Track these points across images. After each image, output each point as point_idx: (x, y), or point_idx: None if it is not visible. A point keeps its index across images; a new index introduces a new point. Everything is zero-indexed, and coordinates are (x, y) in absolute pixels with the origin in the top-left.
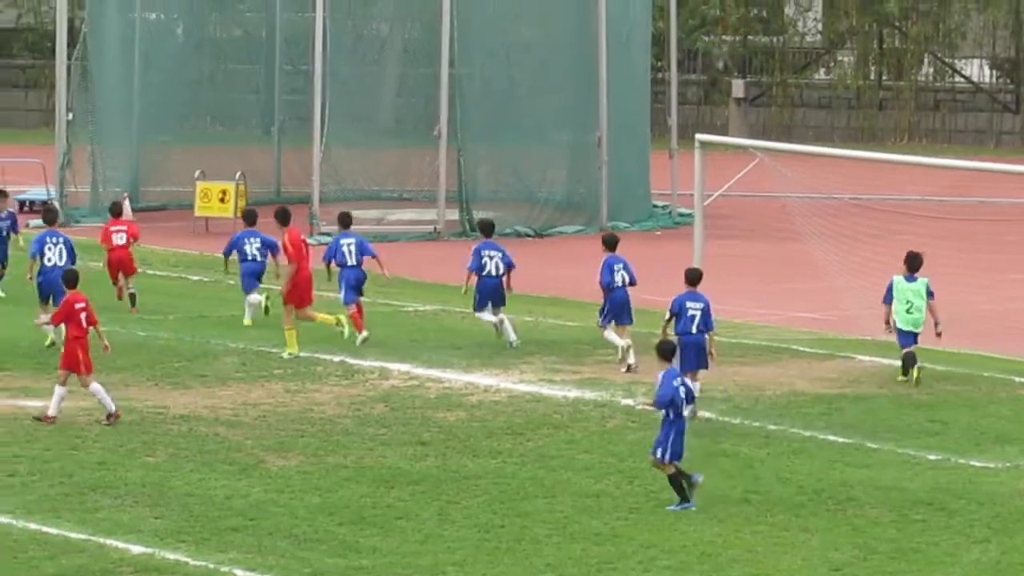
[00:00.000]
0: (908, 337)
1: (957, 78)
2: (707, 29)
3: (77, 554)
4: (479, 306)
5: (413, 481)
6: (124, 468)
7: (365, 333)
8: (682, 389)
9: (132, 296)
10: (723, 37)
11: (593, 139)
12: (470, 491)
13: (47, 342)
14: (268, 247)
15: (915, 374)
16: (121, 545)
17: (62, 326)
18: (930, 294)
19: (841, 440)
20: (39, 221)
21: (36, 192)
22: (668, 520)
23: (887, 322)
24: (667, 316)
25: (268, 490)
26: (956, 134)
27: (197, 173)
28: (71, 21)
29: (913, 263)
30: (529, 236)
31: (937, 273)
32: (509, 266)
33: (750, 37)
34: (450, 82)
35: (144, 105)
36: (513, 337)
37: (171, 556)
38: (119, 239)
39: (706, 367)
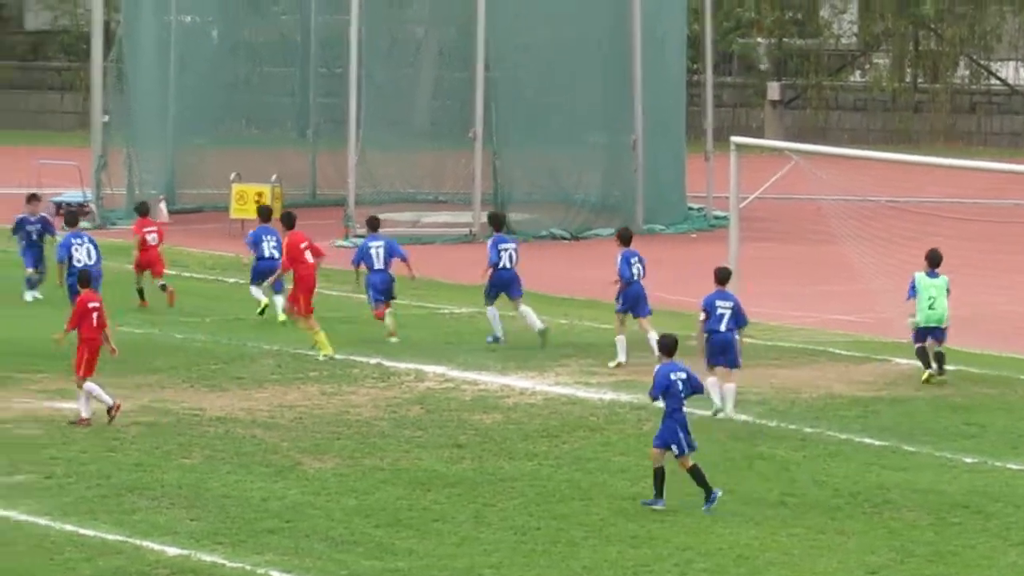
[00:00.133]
0: (924, 334)
1: (993, 80)
2: (742, 32)
3: (114, 555)
4: (491, 299)
5: (449, 483)
6: (161, 470)
7: (394, 328)
8: (679, 382)
9: (164, 287)
10: (758, 39)
11: (628, 141)
12: (506, 493)
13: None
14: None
15: (925, 376)
16: (157, 547)
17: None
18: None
19: (878, 443)
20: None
21: (72, 194)
22: (704, 523)
23: (912, 315)
24: (701, 316)
25: (304, 492)
26: (991, 136)
27: (232, 176)
28: (106, 23)
29: (934, 259)
30: (565, 239)
31: (973, 275)
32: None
33: (785, 39)
34: (485, 84)
35: (180, 108)
36: (540, 324)
37: (207, 558)
38: (151, 239)
39: (738, 365)
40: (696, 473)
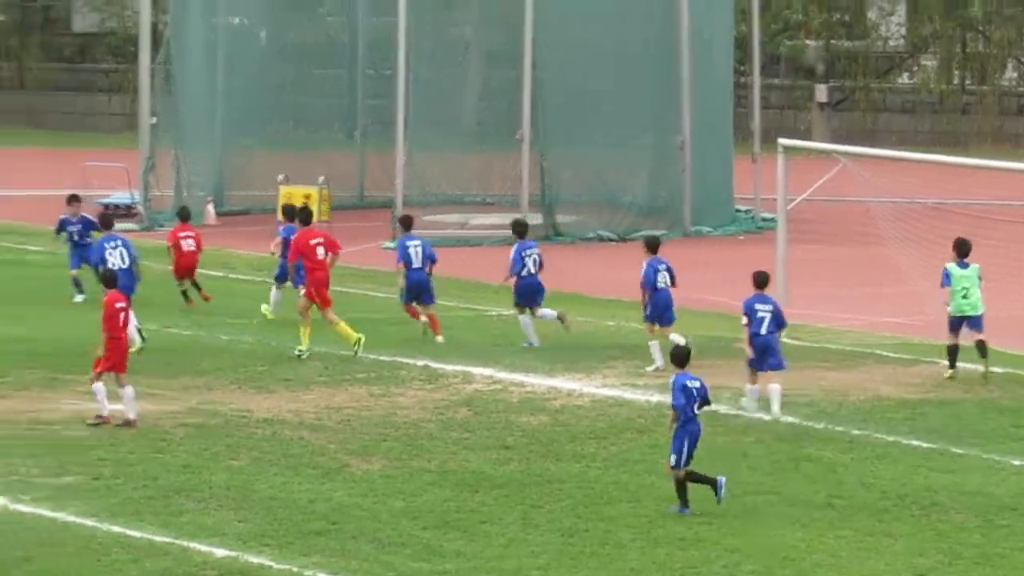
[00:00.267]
0: (959, 323)
1: None
2: (790, 33)
3: (161, 557)
4: (521, 307)
5: (497, 485)
6: (208, 471)
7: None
8: (695, 390)
9: (196, 286)
10: (806, 41)
11: (676, 143)
12: (554, 495)
13: (134, 349)
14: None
15: (948, 374)
16: (205, 548)
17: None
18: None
19: (925, 445)
20: (127, 225)
21: (119, 196)
22: (752, 524)
23: (947, 303)
24: (744, 320)
25: (352, 494)
26: None
27: (280, 177)
28: (154, 25)
29: (962, 248)
30: (612, 240)
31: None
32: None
33: (833, 41)
34: (532, 85)
35: (227, 109)
36: (554, 313)
37: (255, 559)
38: (187, 245)
39: (783, 367)
40: (692, 478)
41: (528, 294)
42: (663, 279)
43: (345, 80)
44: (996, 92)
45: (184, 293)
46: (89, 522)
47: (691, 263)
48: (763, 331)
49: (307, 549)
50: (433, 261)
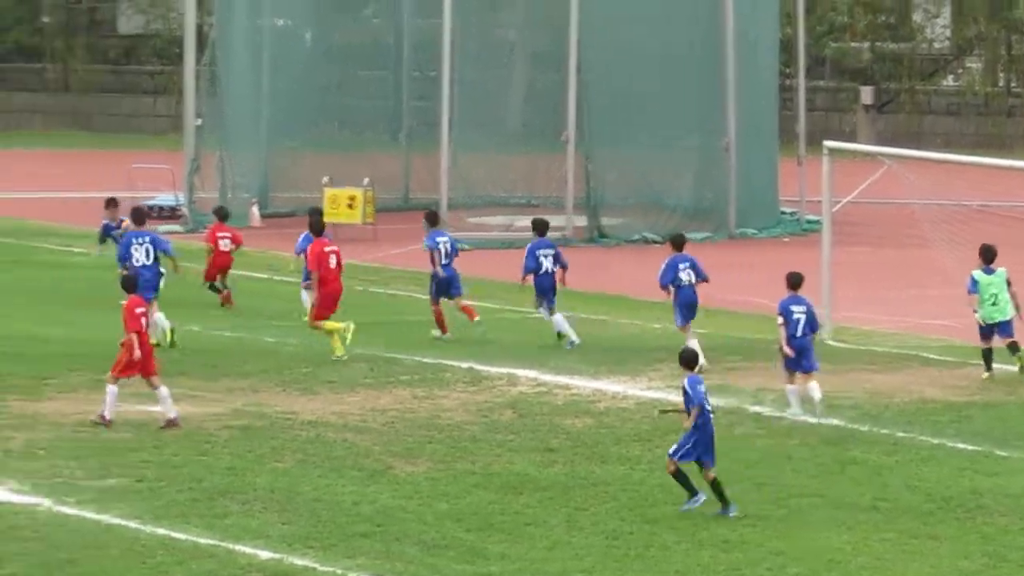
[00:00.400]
0: (990, 331)
1: None
2: (835, 35)
3: (206, 559)
4: (539, 303)
5: (541, 487)
6: (252, 473)
7: (448, 334)
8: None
9: (219, 289)
10: (851, 44)
11: (721, 145)
12: (598, 497)
13: (165, 340)
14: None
15: (985, 376)
16: (249, 551)
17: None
18: (1008, 282)
19: (970, 448)
20: (171, 227)
21: (164, 198)
22: (796, 527)
23: (976, 309)
24: (780, 321)
25: (396, 496)
26: None
27: (325, 179)
28: (199, 27)
29: (987, 255)
30: (657, 243)
31: None
32: (563, 265)
33: (878, 44)
34: (577, 87)
35: (272, 111)
36: (572, 334)
37: (299, 562)
38: (224, 245)
39: (813, 369)
40: (680, 476)
41: (543, 291)
42: (688, 277)
43: (390, 82)
44: None
45: (217, 289)
46: (133, 524)
47: (735, 265)
48: (799, 333)
49: (351, 551)
50: (456, 254)
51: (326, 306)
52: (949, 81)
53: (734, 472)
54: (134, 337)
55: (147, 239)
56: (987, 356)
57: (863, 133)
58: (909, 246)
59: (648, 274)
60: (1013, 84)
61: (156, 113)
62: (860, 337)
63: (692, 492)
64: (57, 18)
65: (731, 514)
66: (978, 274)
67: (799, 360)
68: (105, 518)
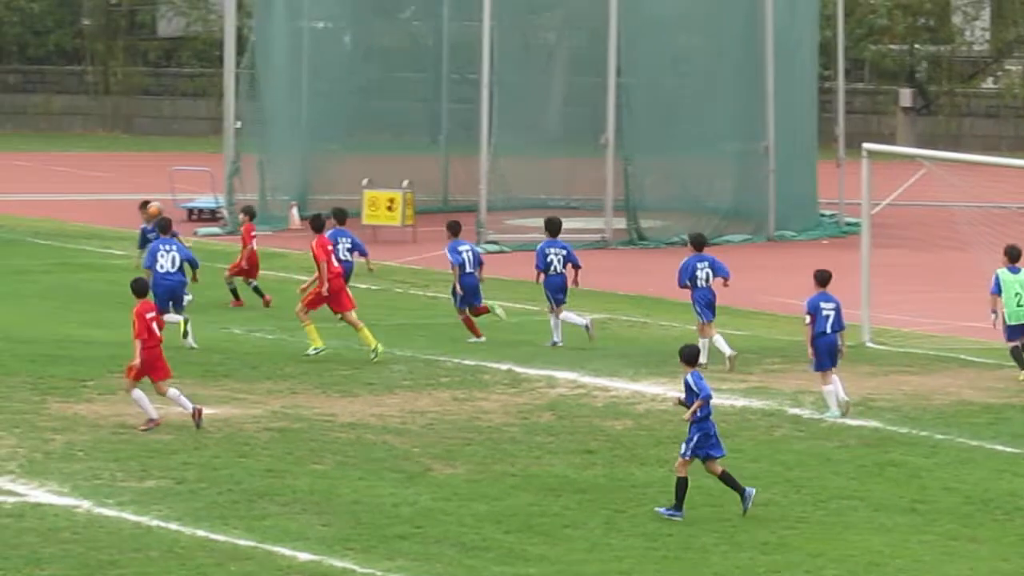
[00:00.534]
0: (1016, 331)
1: None
2: (874, 38)
3: (245, 561)
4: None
5: (580, 489)
6: (292, 475)
7: (483, 337)
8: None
9: (235, 292)
10: (890, 46)
11: (760, 148)
12: (637, 500)
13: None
14: (356, 248)
15: (1022, 376)
16: (289, 552)
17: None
18: None
19: (1009, 449)
20: (210, 229)
21: (204, 200)
22: (835, 529)
23: (994, 311)
24: (807, 319)
25: (435, 498)
26: None
27: (364, 182)
28: (239, 29)
29: (1012, 253)
30: None
31: None
32: (576, 265)
33: (917, 46)
34: (617, 91)
35: (312, 113)
36: (556, 338)
37: (339, 563)
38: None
39: (835, 364)
40: (682, 485)
41: (553, 289)
42: (705, 276)
43: (429, 84)
44: None
45: (257, 290)
46: (173, 526)
47: (774, 267)
48: (828, 329)
49: (391, 553)
50: (481, 264)
51: (322, 300)
52: (988, 84)
53: (773, 474)
54: (138, 344)
55: (173, 246)
56: (1017, 356)
57: (902, 136)
58: (948, 248)
59: None
60: None
61: (196, 116)
62: (898, 339)
63: (679, 506)
64: (97, 21)
65: (750, 495)
66: (1003, 273)
67: (829, 357)
68: (145, 520)
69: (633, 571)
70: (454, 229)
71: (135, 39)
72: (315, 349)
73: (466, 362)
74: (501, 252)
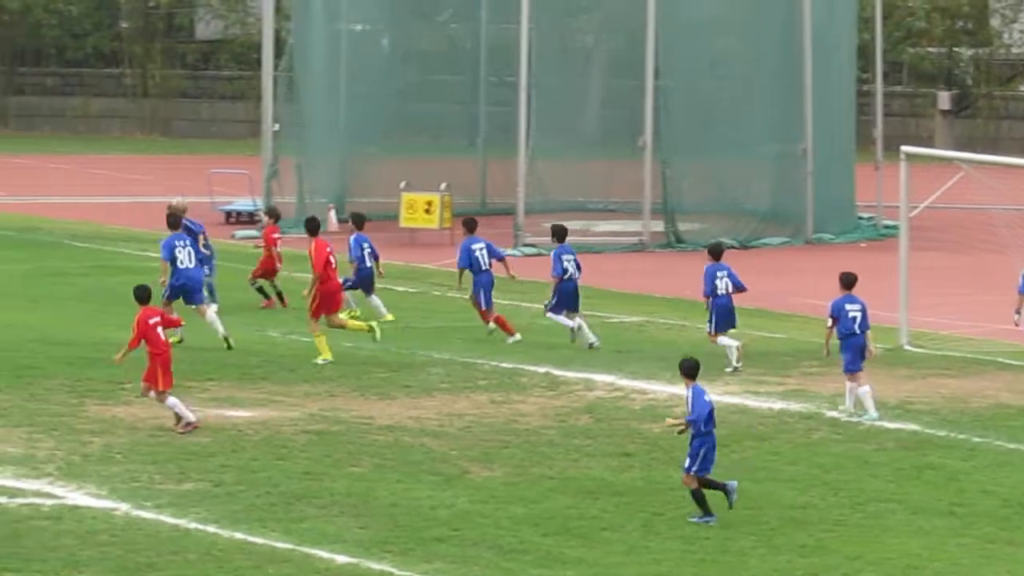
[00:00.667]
0: None
1: None
2: (912, 41)
3: (283, 563)
4: (556, 309)
5: (617, 492)
6: (329, 478)
7: (517, 335)
8: (711, 403)
9: (262, 290)
10: (929, 49)
11: (798, 150)
12: (675, 503)
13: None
14: (372, 253)
15: None
16: (326, 555)
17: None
18: None
19: None
20: (248, 232)
21: (242, 203)
22: (873, 532)
23: (1018, 311)
24: (829, 322)
25: (473, 500)
26: None
27: (402, 184)
28: (277, 32)
29: None
30: (734, 247)
31: None
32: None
33: (955, 49)
34: (655, 93)
35: (350, 116)
36: (593, 339)
37: (376, 566)
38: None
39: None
40: (699, 495)
41: (565, 295)
42: (724, 285)
43: (467, 87)
44: None
45: (279, 294)
46: (211, 528)
47: (812, 270)
48: (856, 330)
49: (428, 556)
50: (501, 259)
51: (325, 304)
52: None
53: (811, 477)
54: (126, 348)
55: (188, 242)
56: None
57: (940, 138)
58: (986, 251)
59: None
60: None
61: (234, 118)
62: (936, 342)
63: (707, 512)
64: (135, 23)
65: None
66: None
67: (857, 358)
68: (183, 522)
69: (671, 574)
70: (470, 226)
71: (173, 42)
72: (323, 360)
73: (504, 365)
74: (539, 255)
